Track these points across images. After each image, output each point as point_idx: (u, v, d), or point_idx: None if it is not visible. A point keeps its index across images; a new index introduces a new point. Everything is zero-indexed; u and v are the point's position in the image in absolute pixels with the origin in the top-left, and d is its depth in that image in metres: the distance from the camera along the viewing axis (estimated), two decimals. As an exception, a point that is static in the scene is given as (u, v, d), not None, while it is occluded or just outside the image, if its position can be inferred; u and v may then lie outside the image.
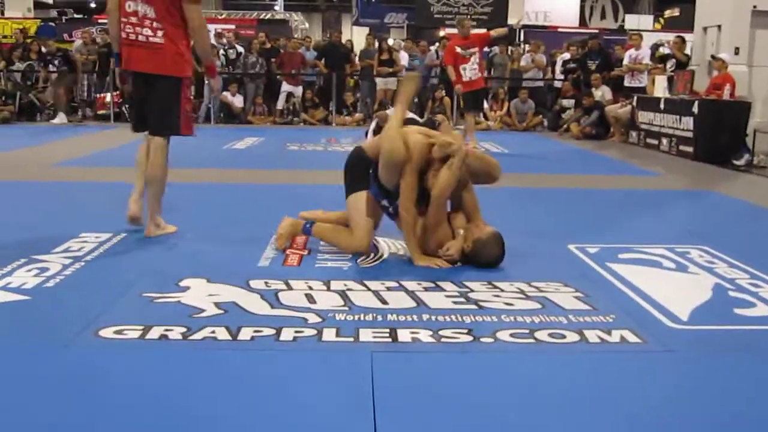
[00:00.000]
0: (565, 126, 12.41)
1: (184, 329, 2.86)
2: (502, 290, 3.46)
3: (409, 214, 3.86)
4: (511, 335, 2.89)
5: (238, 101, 13.63)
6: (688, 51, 11.85)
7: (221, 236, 4.48)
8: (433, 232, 3.89)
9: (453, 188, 3.87)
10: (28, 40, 14.84)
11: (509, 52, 14.66)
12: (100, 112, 13.52)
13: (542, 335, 2.90)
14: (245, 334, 2.84)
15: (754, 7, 10.41)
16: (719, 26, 10.66)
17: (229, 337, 2.80)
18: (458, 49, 9.67)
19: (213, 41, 14.15)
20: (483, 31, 10.60)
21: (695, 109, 9.36)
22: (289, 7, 30.90)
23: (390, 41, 17.01)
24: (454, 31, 21.75)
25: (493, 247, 3.82)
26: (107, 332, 2.83)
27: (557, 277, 3.69)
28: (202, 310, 3.09)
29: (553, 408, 2.30)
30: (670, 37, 13.68)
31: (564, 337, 2.89)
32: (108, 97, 13.36)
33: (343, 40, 15.80)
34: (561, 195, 6.41)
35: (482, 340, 2.84)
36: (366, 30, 20.02)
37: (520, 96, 13.45)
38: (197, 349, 2.70)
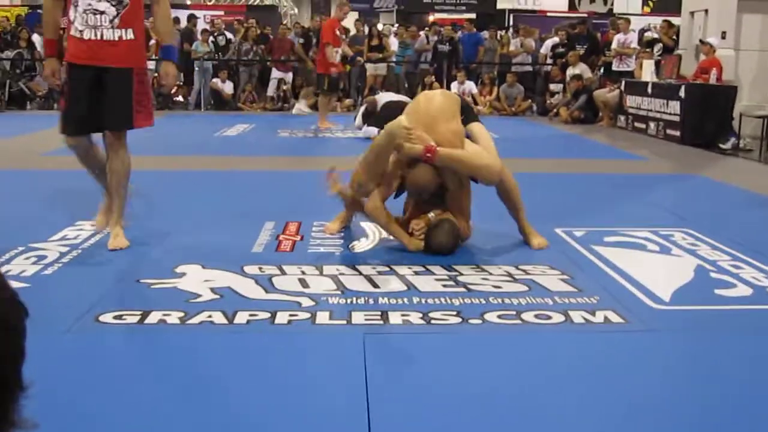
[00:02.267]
0: (554, 110, 12.50)
1: (181, 314, 2.95)
2: (490, 273, 3.55)
3: (376, 214, 3.95)
4: (499, 317, 2.99)
5: (228, 88, 13.67)
6: (675, 35, 11.93)
7: (215, 223, 4.56)
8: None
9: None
10: (17, 28, 14.79)
11: (498, 37, 14.73)
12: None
13: (528, 316, 3.00)
14: (241, 317, 2.93)
15: (741, -9, 10.50)
16: (706, 10, 10.74)
17: (226, 321, 2.89)
18: (337, 31, 9.99)
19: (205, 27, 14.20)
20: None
21: (682, 93, 9.45)
22: (278, -7, 30.76)
23: (379, 26, 17.02)
24: (444, 15, 21.73)
25: (438, 235, 3.82)
26: (107, 317, 2.91)
27: (544, 260, 3.79)
28: (199, 295, 3.18)
29: (540, 386, 2.40)
30: (659, 20, 13.77)
31: (550, 318, 2.99)
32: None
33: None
34: (549, 179, 6.50)
35: (470, 321, 2.94)
36: (355, 15, 20.02)
37: (507, 80, 13.52)
38: (195, 333, 2.79)
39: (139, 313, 2.95)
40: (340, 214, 4.35)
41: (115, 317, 2.91)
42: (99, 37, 3.73)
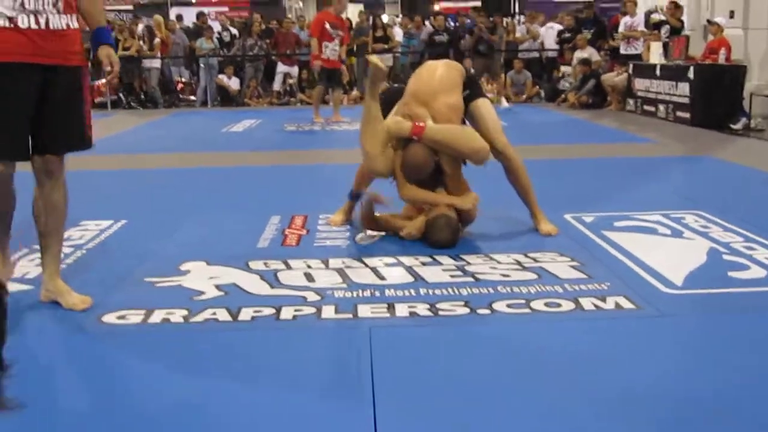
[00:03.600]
0: (562, 96, 12.40)
1: (185, 312, 2.91)
2: (499, 262, 3.50)
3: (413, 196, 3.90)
4: (508, 306, 2.94)
5: (234, 84, 13.64)
6: (683, 17, 11.79)
7: (221, 219, 4.52)
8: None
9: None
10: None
11: (504, 24, 14.61)
12: (97, 100, 13.52)
13: (538, 305, 2.95)
14: (246, 314, 2.89)
15: (749, -31, 10.36)
16: (713, -10, 10.63)
17: (230, 318, 2.85)
18: (327, 25, 9.83)
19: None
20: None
21: (691, 74, 9.35)
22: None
23: (384, 17, 16.94)
24: (450, 4, 21.63)
25: (434, 233, 3.75)
26: (110, 318, 2.88)
27: (553, 247, 3.73)
28: (203, 293, 3.14)
29: (550, 375, 2.35)
30: (665, 1, 13.61)
31: (559, 305, 2.94)
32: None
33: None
34: (558, 165, 6.43)
35: (479, 311, 2.89)
36: (360, 6, 19.91)
37: (515, 67, 13.41)
38: (199, 331, 2.75)
39: (143, 312, 2.92)
40: (343, 206, 4.31)
41: (119, 317, 2.88)
42: (43, 26, 2.74)
